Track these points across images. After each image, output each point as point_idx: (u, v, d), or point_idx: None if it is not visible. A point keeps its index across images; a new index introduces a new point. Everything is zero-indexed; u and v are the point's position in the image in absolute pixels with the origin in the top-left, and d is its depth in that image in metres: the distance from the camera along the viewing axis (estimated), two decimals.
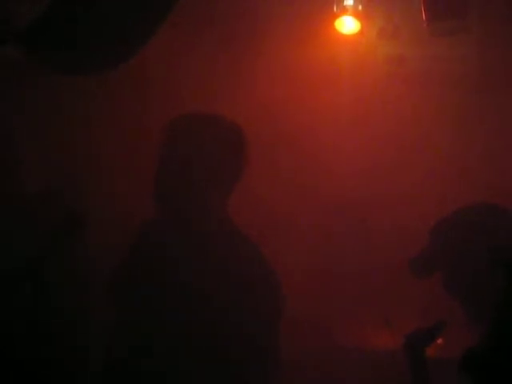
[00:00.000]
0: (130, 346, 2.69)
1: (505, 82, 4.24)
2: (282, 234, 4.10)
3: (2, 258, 3.02)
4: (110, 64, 2.92)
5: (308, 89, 4.19)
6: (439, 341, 2.66)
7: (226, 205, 2.80)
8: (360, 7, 4.14)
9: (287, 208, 4.13)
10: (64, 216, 2.68)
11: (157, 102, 3.76)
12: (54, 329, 3.03)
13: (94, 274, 3.37)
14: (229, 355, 2.65)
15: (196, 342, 2.64)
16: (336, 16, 4.18)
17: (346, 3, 4.15)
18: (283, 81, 4.14)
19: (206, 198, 2.74)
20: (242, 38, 4.13)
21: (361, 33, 4.20)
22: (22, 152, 3.62)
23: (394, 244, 3.97)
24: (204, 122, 2.80)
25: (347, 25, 4.21)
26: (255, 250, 2.77)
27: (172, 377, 2.65)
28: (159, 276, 2.69)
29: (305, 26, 4.18)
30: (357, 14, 4.15)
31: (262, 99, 4.05)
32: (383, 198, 4.21)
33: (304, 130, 4.20)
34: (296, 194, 4.15)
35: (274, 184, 4.09)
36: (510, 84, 4.23)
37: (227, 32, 4.13)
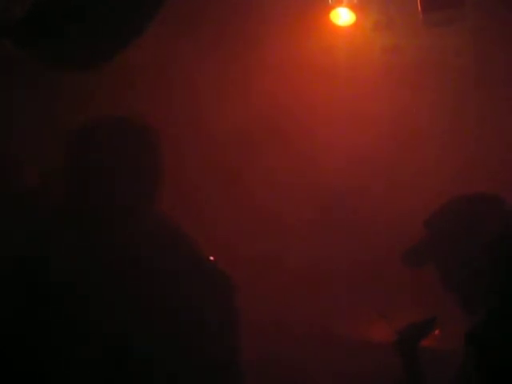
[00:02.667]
0: None
1: (501, 72, 4.23)
2: (275, 229, 4.10)
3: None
4: (100, 57, 2.91)
5: (303, 80, 4.18)
6: (434, 333, 2.64)
7: (155, 205, 2.75)
8: None
9: (279, 203, 4.12)
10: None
11: (147, 98, 3.75)
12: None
13: None
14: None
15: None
16: (331, 8, 4.17)
17: None
18: (278, 73, 4.13)
19: (130, 202, 2.67)
20: (236, 29, 4.12)
21: (356, 24, 4.20)
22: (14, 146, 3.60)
23: (388, 237, 3.97)
24: (114, 125, 2.72)
25: (342, 16, 4.20)
26: (192, 248, 2.74)
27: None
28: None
29: (300, 18, 4.17)
30: (352, 6, 4.15)
31: (256, 91, 4.05)
32: (378, 190, 4.21)
33: (299, 123, 4.20)
34: (289, 188, 4.15)
35: (266, 178, 4.09)
36: (506, 74, 4.22)
37: (221, 23, 4.11)
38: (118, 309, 2.59)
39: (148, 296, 2.59)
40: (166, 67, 3.97)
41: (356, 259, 4.22)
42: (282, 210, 4.14)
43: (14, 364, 2.69)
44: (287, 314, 3.99)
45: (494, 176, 4.10)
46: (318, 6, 4.18)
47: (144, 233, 2.66)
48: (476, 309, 2.50)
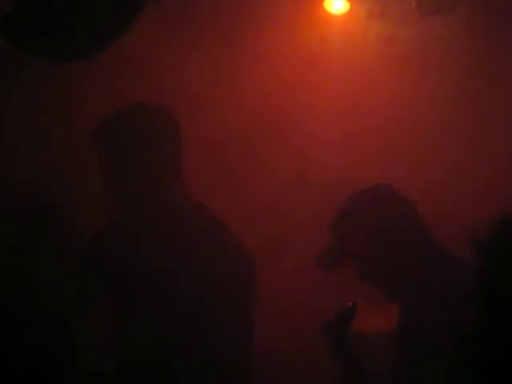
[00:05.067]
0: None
1: (498, 59, 4.21)
2: (271, 222, 4.11)
3: None
4: (91, 47, 2.91)
5: (296, 69, 4.16)
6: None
7: (187, 191, 2.83)
8: None
9: (274, 196, 4.12)
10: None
11: (136, 89, 3.75)
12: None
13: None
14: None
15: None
16: None
17: None
18: (270, 61, 4.12)
19: (163, 188, 2.76)
20: (226, 16, 4.10)
21: (350, 13, 4.18)
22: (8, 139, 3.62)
23: None
24: (134, 114, 2.83)
25: (336, 5, 4.18)
26: (224, 233, 2.80)
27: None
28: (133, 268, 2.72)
29: (293, 6, 4.16)
30: None
31: (248, 79, 4.04)
32: (372, 182, 4.19)
33: (291, 113, 4.18)
34: (283, 181, 4.14)
35: (256, 171, 4.09)
36: (503, 61, 4.20)
37: (213, 12, 4.10)
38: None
39: (173, 268, 2.68)
40: (158, 56, 3.97)
41: None
42: (275, 200, 4.14)
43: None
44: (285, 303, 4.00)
45: (494, 166, 4.11)
46: None
47: (172, 204, 2.74)
48: (395, 297, 2.67)
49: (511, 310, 1.86)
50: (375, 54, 4.24)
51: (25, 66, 3.42)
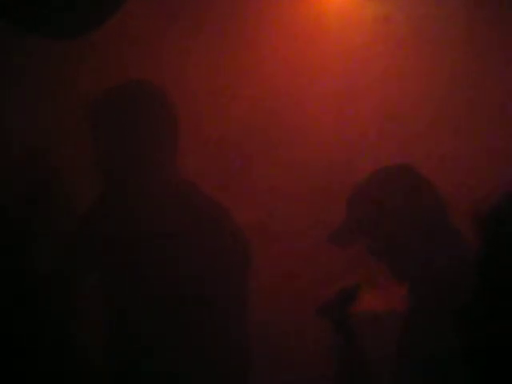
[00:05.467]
0: None
1: (496, 39, 4.19)
2: (271, 204, 4.10)
3: None
4: (88, 25, 2.90)
5: (291, 50, 4.14)
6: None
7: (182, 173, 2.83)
8: None
9: (273, 181, 4.11)
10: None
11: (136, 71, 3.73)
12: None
13: None
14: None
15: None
16: None
17: None
18: (265, 42, 4.09)
19: (149, 162, 2.77)
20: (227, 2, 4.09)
21: None
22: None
23: None
24: (127, 90, 2.84)
25: None
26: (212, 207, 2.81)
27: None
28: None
29: None
30: None
31: (243, 60, 4.02)
32: (365, 166, 4.18)
33: (286, 95, 4.16)
34: (279, 166, 4.13)
35: (255, 157, 4.08)
36: (501, 41, 4.18)
37: None
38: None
39: (165, 246, 2.69)
40: (159, 45, 3.95)
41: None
42: (272, 181, 4.13)
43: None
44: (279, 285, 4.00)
45: (490, 148, 4.10)
46: None
47: (165, 181, 2.76)
48: (404, 278, 2.61)
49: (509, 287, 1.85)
50: (371, 34, 4.21)
51: (23, 45, 3.41)
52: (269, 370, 3.36)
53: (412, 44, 4.22)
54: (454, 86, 4.21)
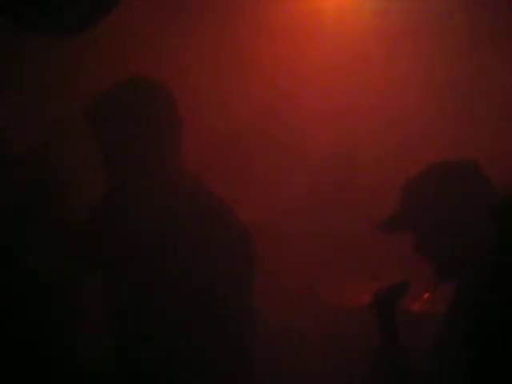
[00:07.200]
0: None
1: (495, 32, 4.20)
2: (266, 195, 4.11)
3: None
4: (86, 23, 2.89)
5: (289, 45, 4.15)
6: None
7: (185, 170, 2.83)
8: None
9: (273, 181, 4.13)
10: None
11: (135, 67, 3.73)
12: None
13: None
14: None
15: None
16: None
17: None
18: (263, 37, 4.10)
19: (159, 165, 2.78)
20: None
21: None
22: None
23: (379, 201, 3.97)
24: (127, 88, 2.84)
25: None
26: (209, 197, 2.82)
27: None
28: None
29: None
30: None
31: (242, 54, 4.03)
32: (365, 159, 4.21)
33: (284, 89, 4.17)
34: (278, 156, 4.14)
35: (253, 148, 4.09)
36: (500, 34, 4.19)
37: None
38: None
39: (170, 244, 2.68)
40: (158, 36, 3.96)
41: (344, 224, 4.24)
42: (273, 175, 4.15)
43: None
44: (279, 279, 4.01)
45: (489, 143, 4.11)
46: None
47: (167, 181, 2.77)
48: (449, 276, 2.53)
49: None
50: (370, 28, 4.22)
51: (24, 42, 3.41)
52: (269, 369, 3.38)
53: (410, 38, 4.24)
54: (453, 80, 4.22)
